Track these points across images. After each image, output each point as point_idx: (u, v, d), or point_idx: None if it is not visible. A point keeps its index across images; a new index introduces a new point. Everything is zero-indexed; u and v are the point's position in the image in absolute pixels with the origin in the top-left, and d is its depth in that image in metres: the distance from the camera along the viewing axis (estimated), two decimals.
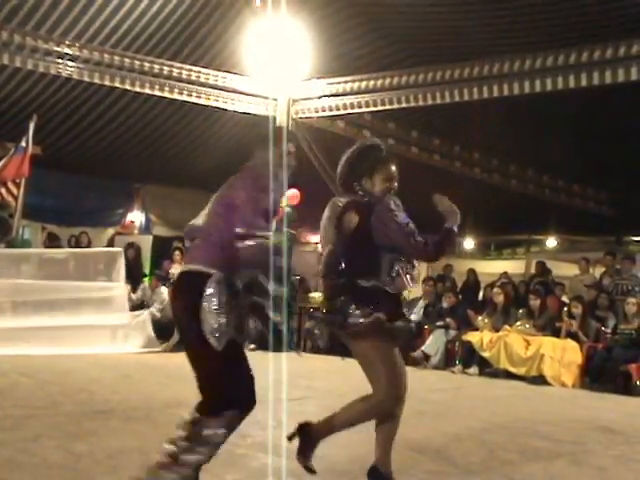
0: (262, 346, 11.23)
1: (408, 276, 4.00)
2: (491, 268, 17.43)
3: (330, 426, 4.16)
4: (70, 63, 11.26)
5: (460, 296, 12.30)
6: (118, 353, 9.81)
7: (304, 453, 4.12)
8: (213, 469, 4.30)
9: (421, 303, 11.70)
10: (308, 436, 4.12)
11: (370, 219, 3.98)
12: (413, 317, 11.49)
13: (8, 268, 10.59)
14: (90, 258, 11.46)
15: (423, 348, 10.65)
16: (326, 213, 4.19)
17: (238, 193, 3.66)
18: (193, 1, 12.41)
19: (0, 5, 11.32)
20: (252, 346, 11.44)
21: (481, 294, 13.67)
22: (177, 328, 3.89)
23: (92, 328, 10.07)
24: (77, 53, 11.30)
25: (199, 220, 3.85)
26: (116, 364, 8.37)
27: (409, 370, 4.37)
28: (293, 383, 7.59)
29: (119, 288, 10.82)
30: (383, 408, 4.17)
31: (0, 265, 10.57)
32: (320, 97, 12.55)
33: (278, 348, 10.04)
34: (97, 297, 10.56)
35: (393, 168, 4.21)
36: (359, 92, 12.13)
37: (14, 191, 11.85)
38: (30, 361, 8.19)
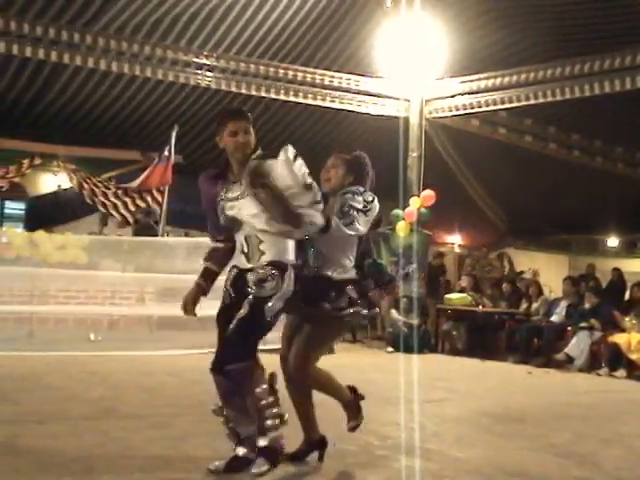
0: (398, 348, 11.27)
1: None
2: (637, 267, 16.69)
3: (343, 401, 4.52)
4: (208, 73, 11.65)
5: (604, 296, 11.85)
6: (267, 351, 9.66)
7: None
8: (354, 471, 4.34)
9: (563, 303, 11.33)
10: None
11: None
12: (554, 318, 11.16)
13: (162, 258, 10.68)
14: None
15: (566, 350, 10.30)
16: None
17: None
18: (325, 7, 12.57)
19: (142, 21, 11.85)
20: (390, 349, 11.49)
21: (627, 294, 13.13)
22: None
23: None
24: (215, 63, 11.67)
25: None
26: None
27: (552, 372, 4.24)
28: (431, 385, 7.55)
29: None
30: None
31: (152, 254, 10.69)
32: (454, 96, 12.40)
33: (410, 349, 10.01)
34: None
35: None
36: (493, 89, 11.90)
37: (159, 198, 12.36)
38: (176, 361, 8.52)
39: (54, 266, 9.92)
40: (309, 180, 3.92)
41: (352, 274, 4.36)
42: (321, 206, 4.02)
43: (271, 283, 3.92)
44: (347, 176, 4.49)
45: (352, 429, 4.49)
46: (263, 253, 3.99)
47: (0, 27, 10.20)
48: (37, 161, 13.09)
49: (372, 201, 4.38)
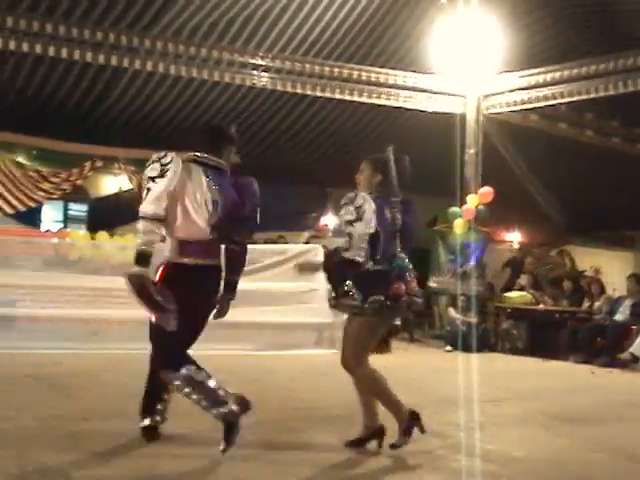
0: (457, 347, 11.17)
1: None
2: None
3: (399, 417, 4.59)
4: (264, 74, 11.69)
5: None
6: (320, 353, 9.48)
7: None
8: (413, 471, 4.32)
9: (627, 302, 11.09)
10: None
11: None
12: (618, 317, 10.93)
13: None
14: (288, 255, 11.28)
15: (631, 350, 10.07)
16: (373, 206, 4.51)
17: None
18: (379, 4, 12.52)
19: (198, 24, 11.98)
20: (448, 348, 11.40)
21: None
22: None
23: (295, 327, 10.11)
24: (270, 64, 11.71)
25: None
26: (314, 363, 8.58)
27: (616, 372, 4.15)
28: (491, 384, 7.47)
29: (321, 286, 9.77)
30: None
31: None
32: (512, 91, 12.22)
33: (469, 348, 9.94)
34: (299, 295, 10.37)
35: None
36: (553, 83, 11.69)
37: None
38: (235, 360, 8.58)
39: (116, 267, 10.08)
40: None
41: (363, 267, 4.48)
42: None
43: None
44: (374, 176, 4.66)
45: (392, 446, 4.56)
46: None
47: (62, 34, 10.39)
48: (98, 163, 13.33)
49: (362, 205, 4.47)
